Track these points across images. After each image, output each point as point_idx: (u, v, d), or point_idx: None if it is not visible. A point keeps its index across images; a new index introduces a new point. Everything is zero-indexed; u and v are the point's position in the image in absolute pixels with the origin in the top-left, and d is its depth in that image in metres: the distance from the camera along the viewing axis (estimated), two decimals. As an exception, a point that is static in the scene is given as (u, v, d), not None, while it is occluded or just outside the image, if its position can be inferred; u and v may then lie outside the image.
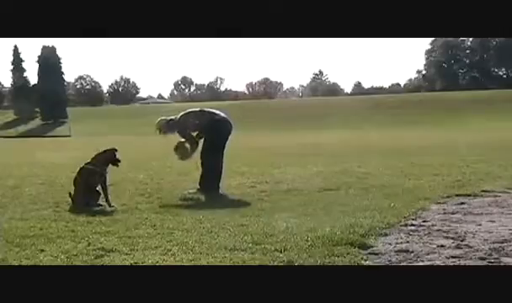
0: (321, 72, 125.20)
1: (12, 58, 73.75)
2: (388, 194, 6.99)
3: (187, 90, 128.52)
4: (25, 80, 73.99)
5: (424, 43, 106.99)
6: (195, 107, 8.40)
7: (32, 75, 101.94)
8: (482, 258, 3.98)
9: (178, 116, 8.01)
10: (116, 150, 6.95)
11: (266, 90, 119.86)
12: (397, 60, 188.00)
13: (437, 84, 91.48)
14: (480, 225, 5.12)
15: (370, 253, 4.19)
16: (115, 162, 6.87)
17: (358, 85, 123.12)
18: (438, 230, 4.94)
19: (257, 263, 3.94)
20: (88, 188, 6.57)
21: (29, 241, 4.77)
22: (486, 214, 5.66)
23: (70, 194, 6.65)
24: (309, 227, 4.96)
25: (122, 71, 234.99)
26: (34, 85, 71.90)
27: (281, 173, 10.06)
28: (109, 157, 6.85)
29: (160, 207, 6.49)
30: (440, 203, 6.39)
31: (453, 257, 4.03)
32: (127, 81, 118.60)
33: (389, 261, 4.00)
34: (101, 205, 6.51)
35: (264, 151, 17.60)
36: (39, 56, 70.86)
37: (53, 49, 70.98)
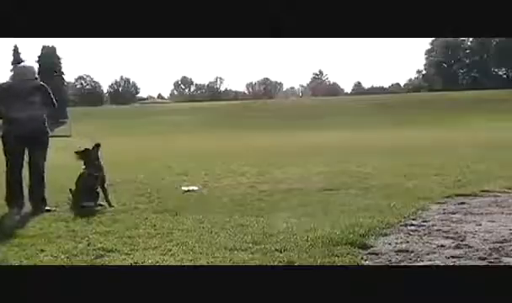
0: (321, 72, 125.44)
1: (12, 58, 73.75)
2: (388, 194, 6.99)
3: (187, 90, 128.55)
4: (25, 80, 73.95)
5: (424, 43, 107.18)
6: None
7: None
8: (482, 258, 3.98)
9: None
10: (98, 145, 6.82)
11: (266, 90, 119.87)
12: (397, 60, 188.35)
13: (437, 84, 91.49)
14: (480, 225, 5.12)
15: (370, 253, 4.19)
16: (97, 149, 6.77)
17: (358, 85, 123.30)
18: (438, 230, 4.94)
19: (257, 263, 3.94)
20: (89, 189, 6.56)
21: (29, 241, 4.77)
22: (486, 214, 5.66)
23: (71, 190, 6.66)
24: (309, 227, 4.96)
25: (122, 71, 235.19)
26: (34, 85, 71.90)
27: (281, 173, 10.07)
28: (94, 154, 6.74)
29: (160, 207, 6.49)
30: (440, 203, 6.39)
31: (453, 257, 4.03)
32: (127, 81, 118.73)
33: (389, 261, 4.00)
34: (102, 205, 6.51)
35: (263, 151, 17.59)
36: (39, 56, 70.88)
37: (53, 49, 71.02)
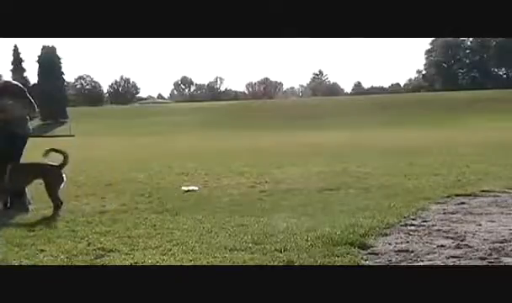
0: (321, 72, 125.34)
1: (12, 58, 73.78)
2: (388, 194, 6.99)
3: (187, 90, 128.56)
4: (25, 80, 73.98)
5: (424, 43, 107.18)
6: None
7: (32, 75, 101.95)
8: (482, 258, 3.98)
9: None
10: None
11: (266, 90, 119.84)
12: (397, 60, 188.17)
13: (437, 84, 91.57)
14: (480, 225, 5.12)
15: (370, 253, 4.19)
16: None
17: (358, 85, 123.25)
18: (438, 230, 4.94)
19: (257, 263, 3.94)
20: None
21: (29, 241, 4.78)
22: (486, 214, 5.66)
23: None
24: (309, 227, 4.97)
25: (122, 71, 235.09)
26: (34, 85, 71.91)
27: (281, 173, 10.07)
28: None
29: (160, 207, 6.49)
30: (440, 203, 6.39)
31: (453, 257, 4.03)
32: (127, 81, 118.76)
33: (389, 261, 4.00)
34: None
35: (263, 151, 17.59)
36: (39, 56, 70.91)
37: (53, 49, 71.00)
